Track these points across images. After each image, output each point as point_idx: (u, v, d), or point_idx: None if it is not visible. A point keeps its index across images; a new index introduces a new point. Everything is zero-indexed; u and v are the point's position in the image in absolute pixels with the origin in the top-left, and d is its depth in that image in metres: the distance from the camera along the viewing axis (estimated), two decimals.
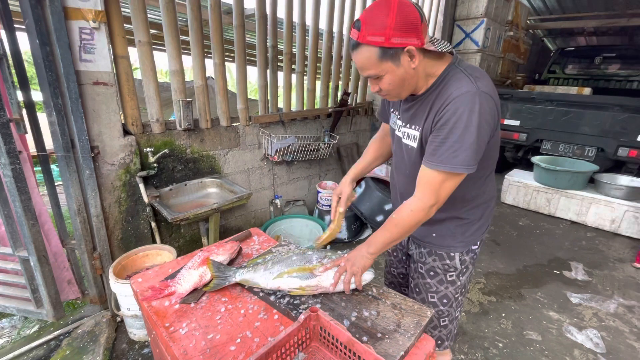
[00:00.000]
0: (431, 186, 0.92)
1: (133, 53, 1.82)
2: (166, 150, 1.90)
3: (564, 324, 1.96)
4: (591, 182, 3.40)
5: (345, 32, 3.01)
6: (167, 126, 1.99)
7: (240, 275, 1.08)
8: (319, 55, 2.88)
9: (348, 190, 1.22)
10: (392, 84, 0.89)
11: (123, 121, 1.75)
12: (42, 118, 1.49)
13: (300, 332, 0.90)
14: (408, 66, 0.85)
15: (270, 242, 1.50)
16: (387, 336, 0.93)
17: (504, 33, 4.88)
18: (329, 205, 2.82)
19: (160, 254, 1.85)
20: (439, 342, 1.22)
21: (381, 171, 2.94)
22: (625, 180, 3.30)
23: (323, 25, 2.80)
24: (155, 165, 1.88)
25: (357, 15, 3.07)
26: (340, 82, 3.16)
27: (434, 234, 1.13)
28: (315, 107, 2.98)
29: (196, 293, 1.12)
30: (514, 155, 4.37)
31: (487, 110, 0.84)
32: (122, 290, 1.56)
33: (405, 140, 1.05)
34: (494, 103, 0.86)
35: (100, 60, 1.56)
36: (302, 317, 0.90)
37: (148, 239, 1.96)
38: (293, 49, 2.62)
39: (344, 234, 2.79)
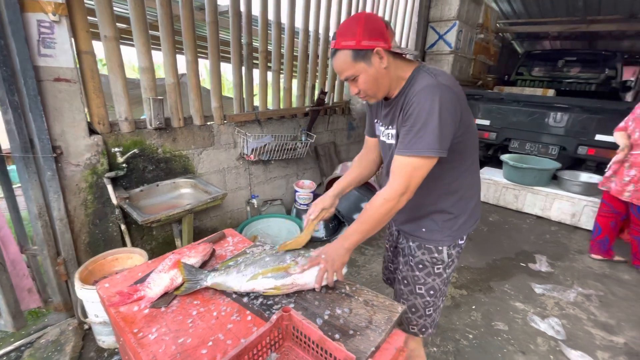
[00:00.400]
0: (402, 173, 0.98)
1: (100, 47, 1.74)
2: (136, 150, 1.84)
3: (529, 314, 2.08)
4: (555, 179, 3.60)
5: (321, 31, 3.02)
6: (137, 125, 1.92)
7: (212, 279, 1.06)
8: (295, 54, 2.87)
9: (328, 203, 1.25)
10: (367, 82, 0.99)
11: (89, 120, 1.67)
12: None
13: (272, 332, 0.90)
14: (379, 66, 0.96)
15: (245, 243, 1.49)
16: (358, 333, 0.95)
17: (475, 35, 5.06)
18: (307, 204, 2.84)
19: (131, 257, 1.79)
20: (423, 329, 1.29)
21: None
22: (584, 177, 3.52)
23: (299, 23, 2.80)
24: (124, 165, 1.81)
25: (333, 14, 3.09)
26: (317, 81, 3.16)
27: (423, 229, 1.19)
28: (292, 106, 2.97)
29: (167, 297, 1.10)
30: (485, 154, 4.55)
31: (447, 99, 0.93)
32: (89, 297, 1.50)
33: (388, 141, 1.14)
34: (454, 93, 0.96)
35: (61, 55, 1.48)
36: (274, 317, 0.90)
37: (118, 242, 1.89)
38: (269, 47, 2.60)
39: (321, 233, 2.81)
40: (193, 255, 1.24)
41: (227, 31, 2.36)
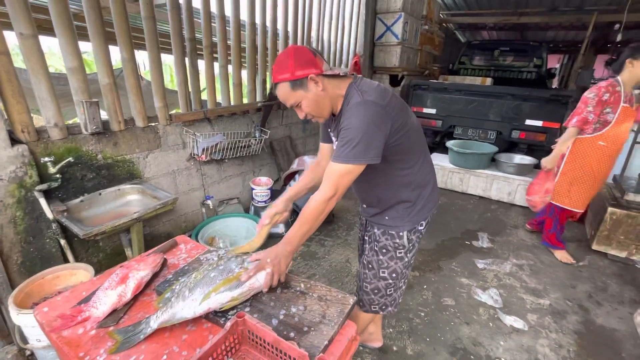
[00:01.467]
0: (331, 178, 1.10)
1: (13, 38, 1.55)
2: (70, 159, 1.70)
3: (472, 287, 2.30)
4: (493, 162, 3.95)
5: (269, 24, 2.96)
6: (70, 130, 1.76)
7: (156, 321, 0.95)
8: (242, 46, 2.79)
9: (280, 207, 1.34)
10: (310, 106, 1.11)
11: (9, 128, 1.50)
12: None
13: (227, 338, 0.92)
14: (316, 89, 1.08)
15: (198, 249, 1.46)
16: (312, 329, 1.00)
17: (420, 27, 5.28)
18: (265, 201, 2.83)
19: (75, 274, 1.67)
20: (384, 307, 1.44)
21: (311, 164, 3.02)
22: (517, 158, 3.91)
23: (244, 16, 2.71)
24: (58, 176, 1.66)
25: (280, 6, 3.03)
26: (267, 75, 3.12)
27: (386, 217, 1.32)
28: (244, 101, 2.91)
29: (115, 314, 1.06)
30: (433, 140, 4.84)
31: (372, 112, 1.05)
32: (27, 322, 1.38)
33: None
34: (380, 107, 1.06)
35: None
36: (228, 324, 0.92)
37: (58, 258, 1.75)
38: (214, 39, 2.50)
39: (280, 228, 2.82)
40: (142, 267, 1.20)
41: (167, 24, 2.22)
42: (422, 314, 2.04)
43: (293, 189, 1.40)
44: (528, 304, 2.18)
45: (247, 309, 1.07)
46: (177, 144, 2.35)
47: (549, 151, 4.15)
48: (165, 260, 1.34)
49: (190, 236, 2.54)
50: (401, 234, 1.30)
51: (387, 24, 4.67)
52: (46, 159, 1.61)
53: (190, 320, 1.03)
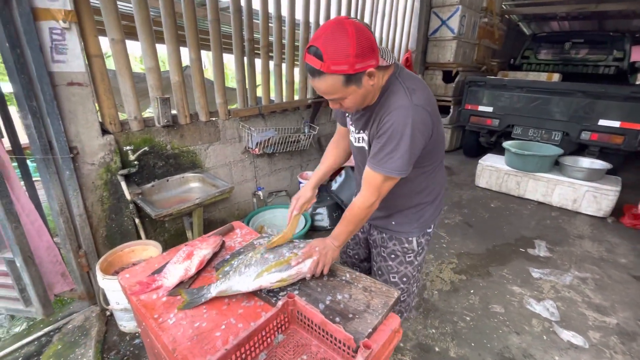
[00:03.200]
0: (372, 186, 1.06)
1: (106, 43, 1.80)
2: (146, 148, 1.93)
3: (525, 297, 2.17)
4: (557, 165, 3.62)
5: (322, 21, 3.03)
6: (145, 123, 2.00)
7: (215, 289, 1.07)
8: (296, 44, 2.89)
9: (307, 195, 1.27)
10: (354, 102, 0.96)
11: (101, 120, 1.76)
12: (16, 116, 1.49)
13: (279, 316, 1.00)
14: (368, 85, 0.92)
15: (252, 235, 1.58)
16: (357, 316, 1.05)
17: (479, 19, 4.98)
18: None
19: (146, 249, 1.91)
20: (399, 314, 1.36)
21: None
22: (586, 162, 3.54)
23: (299, 15, 2.81)
24: (135, 163, 1.90)
25: (333, 5, 3.08)
26: None
27: (393, 222, 1.26)
28: (295, 98, 3.02)
29: (182, 285, 1.20)
30: (488, 140, 4.56)
31: (420, 121, 0.95)
32: (110, 286, 1.62)
33: (359, 144, 1.18)
34: (427, 113, 0.97)
35: (73, 60, 1.56)
36: (280, 303, 1.00)
37: (133, 235, 2.01)
38: (270, 39, 2.63)
39: (325, 222, 2.90)
40: (204, 247, 1.34)
41: (229, 26, 2.39)
42: (468, 318, 1.98)
43: (317, 174, 1.33)
44: (590, 320, 2.00)
45: (296, 291, 1.15)
46: (233, 138, 2.53)
47: (625, 155, 3.71)
48: (223, 242, 1.48)
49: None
50: (410, 239, 1.24)
51: (442, 18, 4.50)
52: (127, 147, 1.85)
53: (245, 296, 1.14)
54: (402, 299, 1.34)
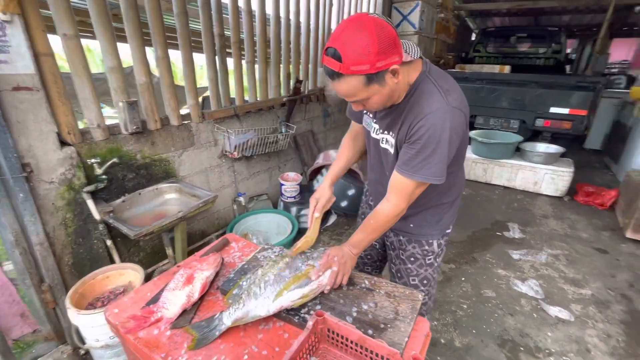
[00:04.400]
0: (404, 193, 1.00)
1: (57, 41, 1.54)
2: (115, 159, 1.69)
3: (511, 279, 2.28)
4: (518, 151, 3.89)
5: (292, 17, 2.91)
6: (110, 131, 1.76)
7: (230, 318, 0.95)
8: (267, 41, 2.75)
9: (327, 195, 1.20)
10: (379, 103, 0.90)
11: (57, 130, 1.50)
12: None
13: (310, 338, 0.91)
14: (392, 83, 0.86)
15: (250, 247, 1.46)
16: (389, 326, 0.99)
17: (436, 15, 5.17)
18: (294, 197, 2.82)
19: (123, 274, 1.68)
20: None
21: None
22: (542, 147, 3.84)
23: (269, 10, 2.67)
24: (104, 177, 1.66)
25: (302, 1, 2.98)
26: (291, 70, 3.08)
27: (411, 225, 1.21)
28: (269, 97, 2.88)
29: (186, 315, 1.06)
30: None
31: (457, 124, 0.91)
32: (86, 322, 1.40)
33: (383, 145, 1.11)
34: (463, 116, 0.93)
35: (18, 60, 1.30)
36: (310, 323, 0.91)
37: (105, 259, 1.77)
38: (241, 36, 2.46)
39: (330, 220, 2.82)
40: (205, 268, 1.20)
41: (197, 21, 2.19)
42: (465, 306, 2.03)
43: (333, 172, 1.25)
44: (570, 294, 2.16)
45: (318, 306, 1.07)
46: (209, 142, 2.34)
47: (573, 139, 4.09)
48: (222, 259, 1.34)
49: (224, 233, 2.55)
50: (431, 241, 1.20)
51: (403, 13, 4.59)
52: (92, 160, 1.61)
53: (262, 319, 1.03)
54: (423, 301, 1.31)
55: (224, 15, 2.26)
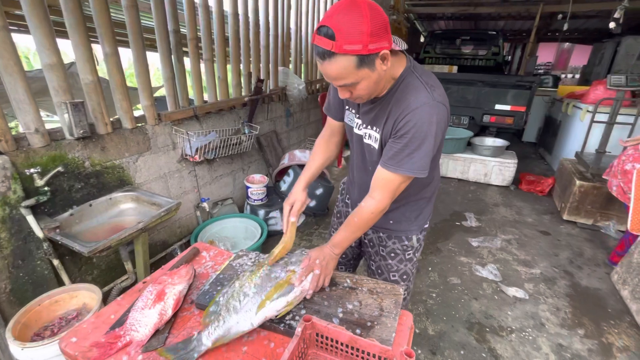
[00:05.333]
0: (389, 188, 1.00)
1: None
2: (60, 168, 1.50)
3: (472, 265, 2.44)
4: (469, 145, 4.18)
5: (250, 15, 2.82)
6: (52, 136, 1.56)
7: (209, 337, 0.88)
8: (226, 39, 2.64)
9: (302, 198, 1.17)
10: (367, 89, 0.88)
11: None
12: None
13: (300, 345, 0.88)
14: (381, 69, 0.85)
15: (223, 255, 1.38)
16: (375, 323, 1.00)
17: (389, 17, 5.37)
18: (261, 199, 2.74)
19: (76, 296, 1.50)
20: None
21: (306, 157, 2.97)
22: (490, 141, 4.17)
23: (227, 7, 2.56)
24: (46, 189, 1.47)
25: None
26: (252, 68, 2.99)
27: (391, 221, 1.22)
28: (229, 96, 2.77)
29: (159, 335, 0.97)
30: None
31: (442, 119, 0.93)
32: (34, 356, 1.22)
33: (366, 140, 1.09)
34: (446, 111, 0.95)
35: None
36: (299, 329, 0.88)
37: (52, 281, 1.56)
38: (198, 34, 2.33)
39: (279, 225, 2.76)
40: (177, 281, 1.11)
41: (149, 16, 2.03)
42: (434, 294, 2.13)
43: (306, 175, 1.23)
44: (523, 274, 2.36)
45: (303, 311, 1.04)
46: (167, 145, 2.18)
47: (515, 133, 4.50)
48: (194, 270, 1.25)
49: (188, 242, 2.40)
50: (410, 236, 1.22)
51: None
52: (32, 170, 1.41)
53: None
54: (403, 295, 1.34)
55: (179, 11, 2.12)
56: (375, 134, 1.04)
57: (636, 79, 3.11)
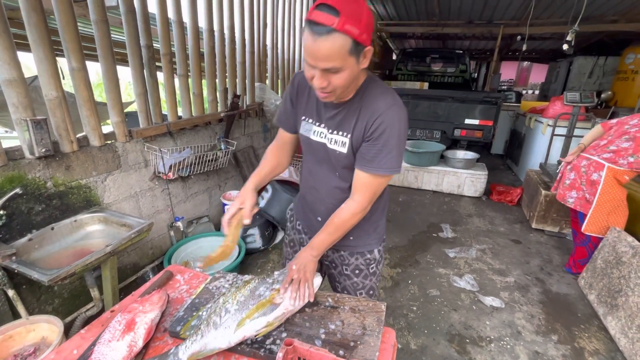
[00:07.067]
0: (370, 189, 1.03)
1: None
2: (17, 190, 1.39)
3: (450, 276, 2.48)
4: (442, 158, 4.33)
5: (226, 31, 2.82)
6: (9, 155, 1.45)
7: (186, 352, 0.87)
8: (201, 54, 2.62)
9: (253, 199, 1.10)
10: (346, 81, 0.87)
11: None
12: None
13: None
14: (360, 66, 0.86)
15: (199, 278, 1.32)
16: (358, 342, 0.98)
17: None
18: None
19: (33, 329, 1.37)
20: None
21: (285, 173, 2.95)
22: (461, 154, 4.34)
23: (202, 23, 2.55)
24: (1, 212, 1.35)
25: (236, 12, 2.92)
26: (227, 84, 2.97)
27: (351, 238, 1.19)
28: (205, 112, 2.72)
29: None
30: None
31: (406, 119, 0.99)
32: None
33: (331, 146, 1.08)
34: (407, 112, 1.02)
35: None
36: (280, 355, 0.84)
37: (6, 314, 1.42)
38: (172, 49, 2.29)
39: (258, 243, 2.70)
40: (149, 309, 1.04)
41: (120, 31, 1.98)
42: (414, 307, 2.13)
43: (257, 175, 1.17)
44: (498, 283, 2.43)
45: (284, 334, 1.00)
46: (138, 163, 2.09)
47: (483, 146, 4.72)
48: (167, 296, 1.18)
49: (161, 264, 2.29)
50: (372, 249, 1.22)
51: None
52: None
53: (223, 357, 0.93)
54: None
55: (151, 26, 2.08)
56: (343, 139, 1.03)
57: (588, 95, 3.39)
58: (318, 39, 0.79)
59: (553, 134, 3.61)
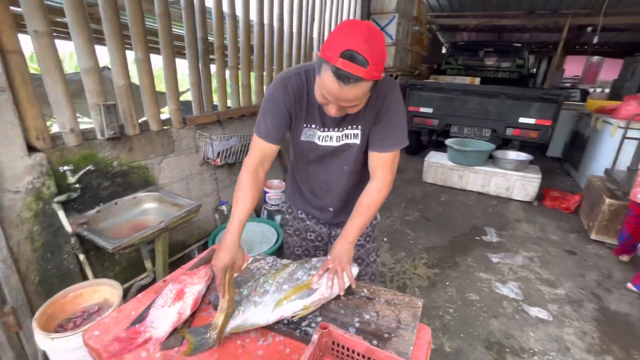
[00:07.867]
0: (390, 165, 1.08)
1: (27, 41, 1.41)
2: (90, 167, 1.57)
3: (492, 282, 2.36)
4: (491, 158, 4.08)
5: (276, 24, 2.89)
6: (85, 136, 1.64)
7: (229, 325, 0.95)
8: (251, 47, 2.71)
9: (241, 255, 1.05)
10: (361, 107, 0.94)
11: (25, 135, 1.37)
12: None
13: (316, 352, 0.87)
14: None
15: None
16: (393, 335, 0.98)
17: (411, 27, 5.37)
18: (277, 205, 2.76)
19: (98, 291, 1.55)
20: (373, 277, 1.42)
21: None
22: (513, 155, 4.06)
23: (253, 16, 2.64)
24: (77, 186, 1.54)
25: (286, 6, 2.97)
26: (273, 75, 3.05)
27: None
28: (252, 103, 2.83)
29: (177, 334, 0.99)
30: (429, 139, 4.94)
31: (401, 93, 1.07)
32: (58, 347, 1.26)
33: (341, 143, 1.10)
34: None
35: None
36: (315, 336, 0.87)
37: (76, 275, 1.62)
38: (224, 42, 2.41)
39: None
40: (196, 282, 1.13)
41: (179, 24, 2.12)
42: (451, 310, 2.06)
43: (238, 223, 1.06)
44: (546, 294, 2.26)
45: (319, 318, 1.03)
46: (190, 148, 2.24)
47: (538, 147, 4.36)
48: (213, 272, 1.27)
49: (206, 243, 2.44)
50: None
51: (381, 24, 4.71)
52: (65, 167, 1.48)
53: (260, 334, 0.98)
54: (375, 271, 1.41)
55: (207, 20, 2.20)
56: (355, 131, 1.08)
57: None
58: (345, 86, 0.80)
59: (624, 137, 3.23)
